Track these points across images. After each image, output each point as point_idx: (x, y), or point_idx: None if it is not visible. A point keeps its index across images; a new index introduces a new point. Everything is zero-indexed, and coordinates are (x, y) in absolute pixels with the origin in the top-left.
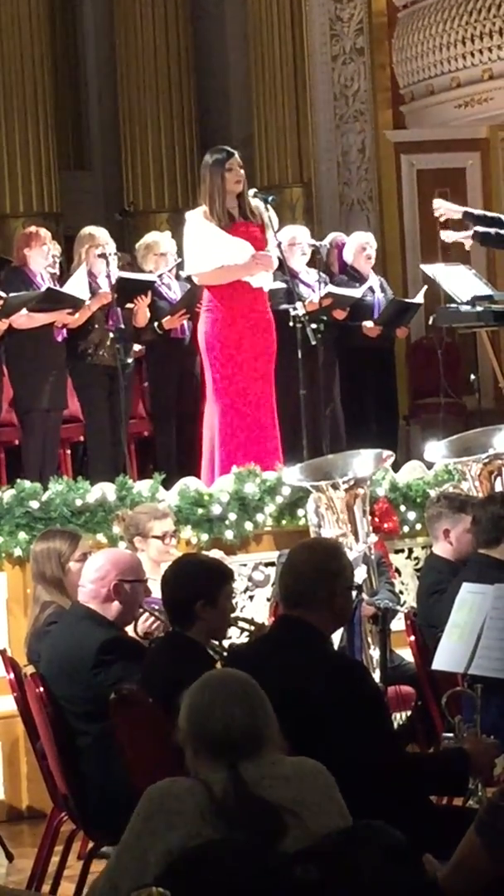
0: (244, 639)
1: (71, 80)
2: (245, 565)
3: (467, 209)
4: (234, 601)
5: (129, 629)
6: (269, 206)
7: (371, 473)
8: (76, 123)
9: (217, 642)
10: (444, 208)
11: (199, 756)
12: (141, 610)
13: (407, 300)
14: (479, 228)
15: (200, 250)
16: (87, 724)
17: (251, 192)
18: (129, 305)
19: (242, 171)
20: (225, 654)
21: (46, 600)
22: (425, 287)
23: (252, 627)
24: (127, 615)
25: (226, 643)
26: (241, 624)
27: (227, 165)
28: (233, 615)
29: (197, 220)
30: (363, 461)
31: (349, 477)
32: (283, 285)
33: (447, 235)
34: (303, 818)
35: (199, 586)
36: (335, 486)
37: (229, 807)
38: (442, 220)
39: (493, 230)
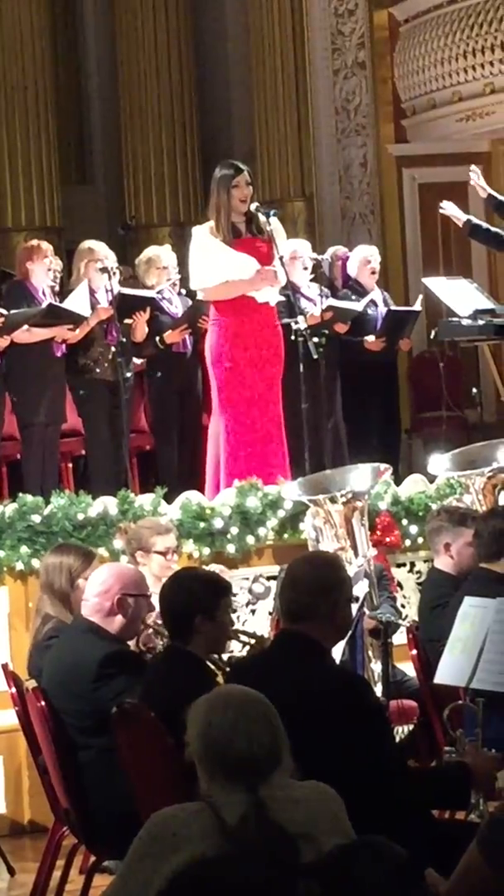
0: (245, 652)
1: (73, 94)
2: (247, 579)
3: (471, 219)
4: (235, 614)
5: (132, 644)
6: (270, 219)
7: (369, 487)
8: (78, 138)
9: (217, 656)
10: (451, 211)
11: (214, 778)
12: (143, 626)
13: (404, 308)
14: (473, 219)
15: (205, 265)
16: (89, 738)
17: (253, 206)
18: (127, 321)
19: (251, 188)
20: (226, 668)
21: (48, 613)
22: (421, 296)
23: (252, 640)
24: (130, 629)
25: (225, 656)
26: (241, 637)
27: (234, 182)
28: (232, 628)
29: (203, 235)
30: (361, 475)
31: (347, 491)
32: (285, 299)
33: (446, 206)
34: (314, 842)
35: (197, 600)
36: (333, 500)
37: (246, 831)
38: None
39: (484, 224)
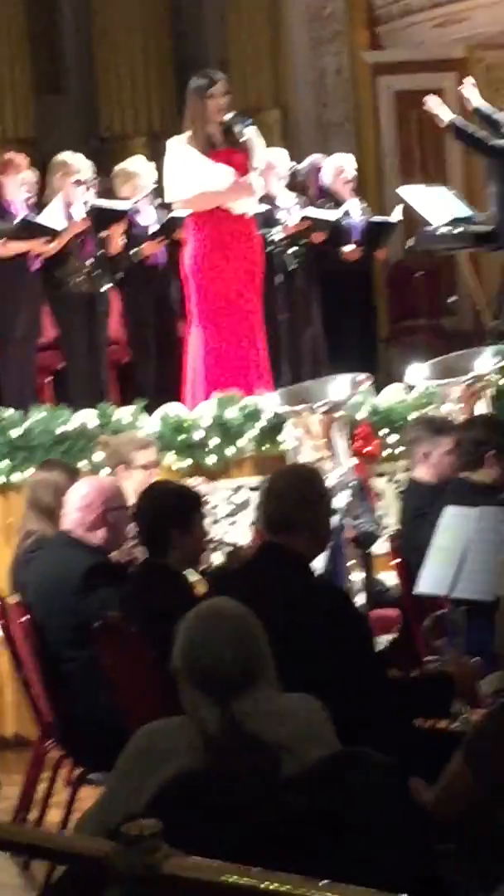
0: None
1: (45, 5)
2: (228, 490)
3: (456, 120)
4: (216, 525)
5: (114, 556)
6: (245, 129)
7: (348, 397)
8: (50, 48)
9: (203, 566)
10: (435, 108)
11: (192, 691)
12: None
13: (382, 219)
14: (457, 121)
15: (180, 176)
16: (73, 650)
17: (228, 116)
18: (102, 234)
19: (227, 98)
20: (209, 577)
21: (30, 529)
22: (399, 206)
23: (229, 549)
24: (113, 542)
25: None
26: (217, 547)
27: (210, 92)
28: (207, 538)
29: (178, 146)
30: (339, 385)
31: (326, 401)
32: (263, 209)
33: (430, 101)
34: (297, 754)
35: (171, 514)
36: (312, 411)
37: (223, 743)
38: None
39: (470, 128)
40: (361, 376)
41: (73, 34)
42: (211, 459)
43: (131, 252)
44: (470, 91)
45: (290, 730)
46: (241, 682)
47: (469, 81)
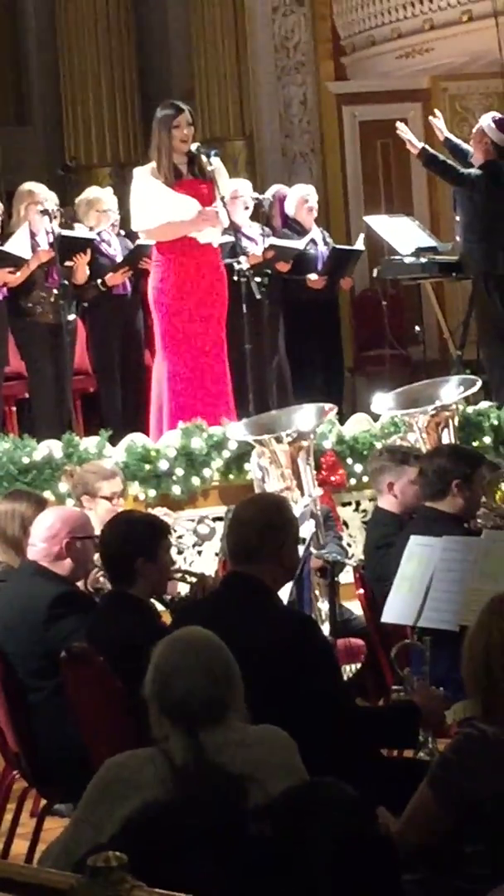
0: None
1: (11, 36)
2: (193, 520)
3: (426, 148)
4: (182, 556)
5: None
6: (211, 159)
7: (314, 427)
8: (16, 79)
9: (169, 596)
10: (406, 137)
11: (161, 720)
12: (90, 567)
13: (347, 247)
14: (429, 148)
15: (146, 207)
16: (40, 680)
17: (194, 146)
18: (68, 263)
19: (192, 128)
20: (173, 608)
21: None
22: (362, 235)
23: (194, 579)
24: (79, 571)
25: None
26: (183, 577)
27: (175, 122)
28: (173, 568)
29: (144, 176)
30: (306, 415)
31: (292, 430)
32: (229, 239)
33: (401, 128)
34: (263, 784)
35: (136, 544)
36: (279, 440)
37: (190, 773)
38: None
39: (440, 157)
40: (327, 406)
41: (39, 65)
42: (177, 489)
43: (98, 282)
44: (439, 122)
45: (257, 760)
46: (210, 713)
47: (437, 114)
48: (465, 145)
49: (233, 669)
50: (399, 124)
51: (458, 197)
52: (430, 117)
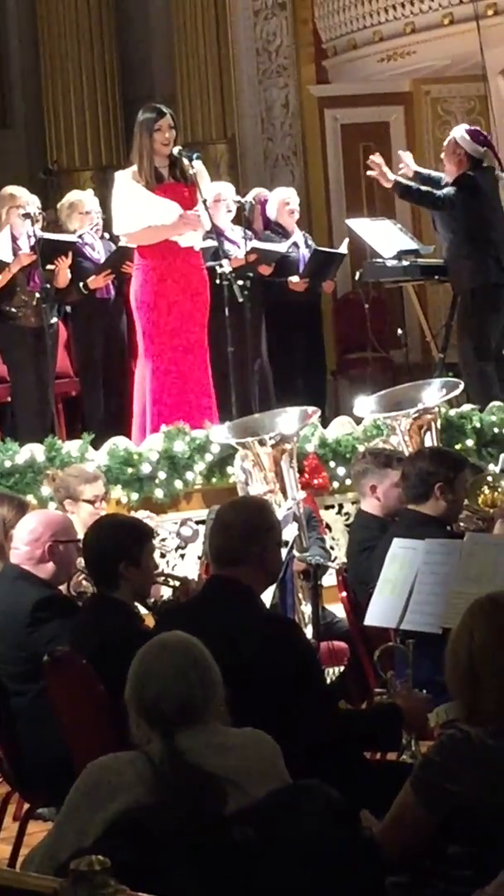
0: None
1: None
2: (176, 523)
3: (399, 180)
4: (164, 559)
5: (63, 589)
6: (193, 162)
7: (297, 430)
8: None
9: (152, 600)
10: (378, 172)
11: (141, 723)
12: (74, 571)
13: (330, 250)
14: (401, 180)
15: (128, 210)
16: (23, 684)
17: (175, 149)
18: (49, 266)
19: (173, 132)
20: (156, 612)
21: None
22: (347, 239)
23: (177, 583)
24: (61, 575)
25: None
26: (166, 580)
27: (156, 126)
28: (156, 572)
29: (125, 180)
30: (288, 418)
31: (275, 433)
32: (211, 243)
33: (375, 161)
34: (244, 787)
35: (120, 547)
36: (262, 443)
37: (169, 776)
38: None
39: (414, 185)
40: (310, 409)
41: (21, 69)
42: (159, 493)
43: (80, 285)
44: (406, 156)
45: (238, 763)
46: (184, 716)
47: (378, 162)
48: (435, 173)
49: (210, 672)
50: (372, 158)
51: (436, 218)
52: (399, 151)
